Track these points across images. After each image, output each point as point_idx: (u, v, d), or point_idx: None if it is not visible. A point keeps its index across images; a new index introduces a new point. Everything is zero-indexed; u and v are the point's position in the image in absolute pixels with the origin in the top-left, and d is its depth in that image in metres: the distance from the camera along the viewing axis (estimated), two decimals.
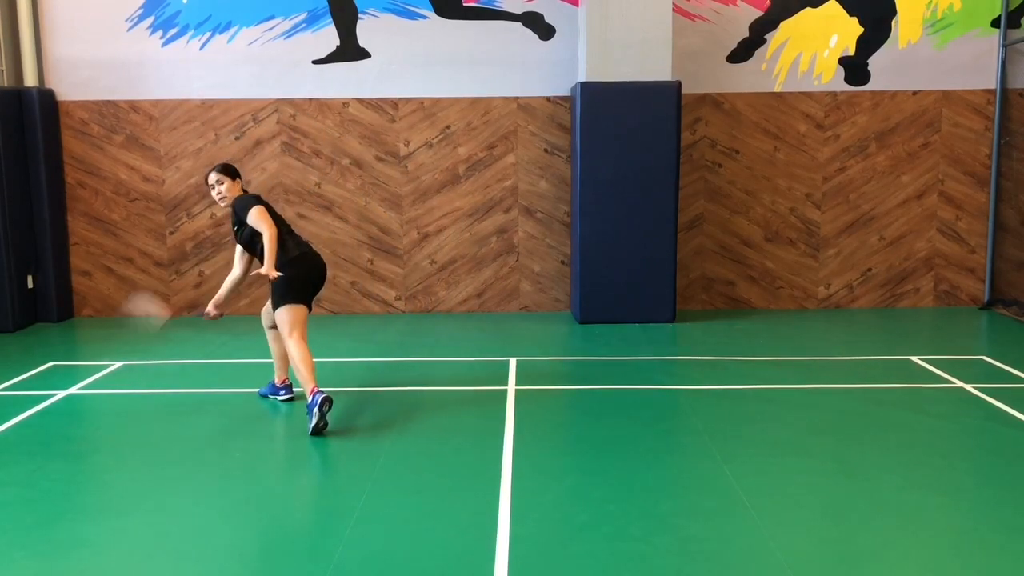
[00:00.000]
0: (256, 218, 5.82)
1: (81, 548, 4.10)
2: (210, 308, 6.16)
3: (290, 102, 9.26)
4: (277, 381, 6.35)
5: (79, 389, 6.69)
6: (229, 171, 6.07)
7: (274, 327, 6.14)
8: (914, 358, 7.31)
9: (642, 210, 8.60)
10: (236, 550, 4.06)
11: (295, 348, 5.73)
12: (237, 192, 6.07)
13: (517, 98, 9.26)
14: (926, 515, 4.38)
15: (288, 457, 5.34)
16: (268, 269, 5.69)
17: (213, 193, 6.04)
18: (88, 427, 6.06)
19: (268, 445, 5.51)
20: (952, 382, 6.61)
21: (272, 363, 6.37)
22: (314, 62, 9.25)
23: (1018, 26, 9.27)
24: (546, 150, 9.32)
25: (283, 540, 4.15)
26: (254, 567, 3.90)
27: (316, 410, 5.45)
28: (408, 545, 4.07)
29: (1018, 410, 5.89)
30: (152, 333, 6.36)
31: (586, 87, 8.45)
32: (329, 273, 9.43)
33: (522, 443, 5.35)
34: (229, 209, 6.15)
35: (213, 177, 6.03)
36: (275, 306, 5.85)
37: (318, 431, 5.48)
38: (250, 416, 6.03)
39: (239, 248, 6.22)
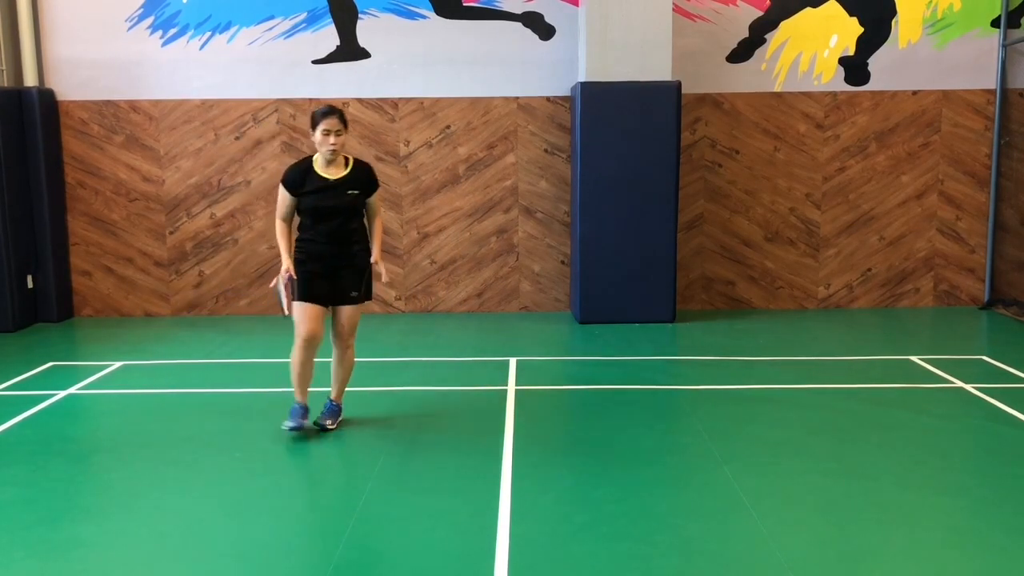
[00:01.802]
0: (379, 196, 5.53)
1: (81, 548, 4.10)
2: (292, 271, 5.34)
3: (290, 102, 9.26)
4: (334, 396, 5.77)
5: (79, 389, 6.69)
6: (346, 120, 5.35)
7: (342, 338, 5.55)
8: (914, 358, 7.31)
9: (642, 210, 8.60)
10: (236, 550, 4.05)
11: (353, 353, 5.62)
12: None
13: (517, 98, 9.26)
14: (926, 515, 4.39)
15: (288, 457, 5.34)
16: (380, 257, 5.51)
17: (328, 140, 5.23)
18: (88, 427, 6.06)
19: (268, 445, 5.50)
20: (952, 382, 6.61)
21: (282, 385, 5.93)
22: (314, 62, 9.25)
23: (1018, 26, 9.27)
24: (546, 150, 9.32)
25: (283, 540, 4.15)
26: (254, 567, 3.90)
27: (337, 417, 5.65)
28: (408, 545, 4.07)
29: (1018, 410, 5.89)
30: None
31: (586, 87, 8.45)
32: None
33: (522, 443, 5.34)
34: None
35: (332, 122, 5.25)
36: (365, 298, 5.50)
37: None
38: (250, 416, 6.03)
39: (285, 214, 5.44)
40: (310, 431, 5.59)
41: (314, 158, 5.38)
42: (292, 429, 5.46)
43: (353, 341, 5.54)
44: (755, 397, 6.33)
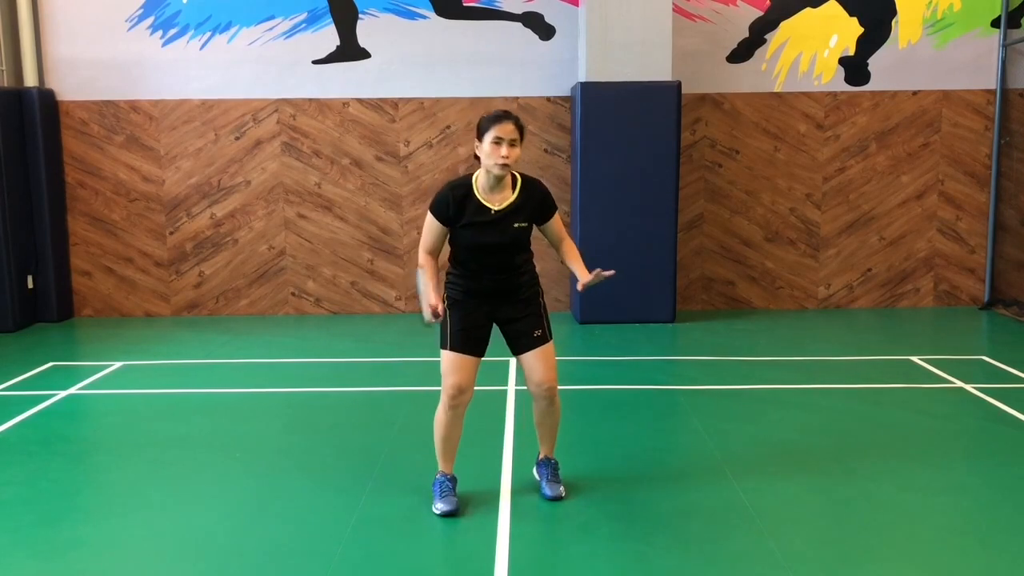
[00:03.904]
0: (559, 220, 4.50)
1: (81, 548, 4.10)
2: (439, 309, 4.17)
3: (290, 102, 9.26)
4: (540, 456, 4.71)
5: (79, 389, 6.69)
6: (523, 128, 4.24)
7: (543, 387, 4.45)
8: (914, 358, 7.31)
9: (642, 210, 8.60)
10: (236, 550, 4.05)
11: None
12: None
13: (517, 98, 9.25)
14: (926, 515, 4.38)
15: (288, 457, 5.33)
16: (586, 273, 4.56)
17: (499, 152, 4.11)
18: (88, 427, 6.06)
19: (267, 445, 5.50)
20: (952, 382, 6.61)
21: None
22: (314, 62, 9.24)
23: (1018, 26, 9.27)
24: (546, 150, 9.32)
25: (283, 540, 4.15)
26: (254, 567, 3.90)
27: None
28: (408, 545, 4.07)
29: (1018, 410, 5.89)
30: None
31: (586, 87, 8.44)
32: (329, 273, 9.48)
33: (522, 443, 5.34)
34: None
35: (507, 128, 4.12)
36: (549, 337, 4.46)
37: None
38: (250, 416, 6.03)
39: (432, 246, 4.30)
40: (301, 433, 5.57)
41: (475, 177, 4.26)
42: (446, 514, 4.34)
43: (557, 388, 4.45)
44: (755, 397, 6.32)
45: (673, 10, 8.57)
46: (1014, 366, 7.01)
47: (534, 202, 4.34)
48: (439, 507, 4.38)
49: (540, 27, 9.21)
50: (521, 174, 4.36)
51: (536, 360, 4.38)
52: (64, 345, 8.33)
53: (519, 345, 4.41)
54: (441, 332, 4.39)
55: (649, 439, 5.48)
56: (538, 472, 4.68)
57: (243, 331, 8.67)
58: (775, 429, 5.61)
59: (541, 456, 4.67)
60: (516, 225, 4.29)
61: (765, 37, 9.26)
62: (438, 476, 4.49)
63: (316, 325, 9.00)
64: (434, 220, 4.26)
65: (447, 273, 4.41)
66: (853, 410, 6.00)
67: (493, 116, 4.17)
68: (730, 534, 4.16)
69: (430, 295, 4.19)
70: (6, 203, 8.68)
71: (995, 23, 9.26)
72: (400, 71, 9.25)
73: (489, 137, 4.13)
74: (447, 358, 4.39)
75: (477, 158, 4.25)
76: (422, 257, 4.32)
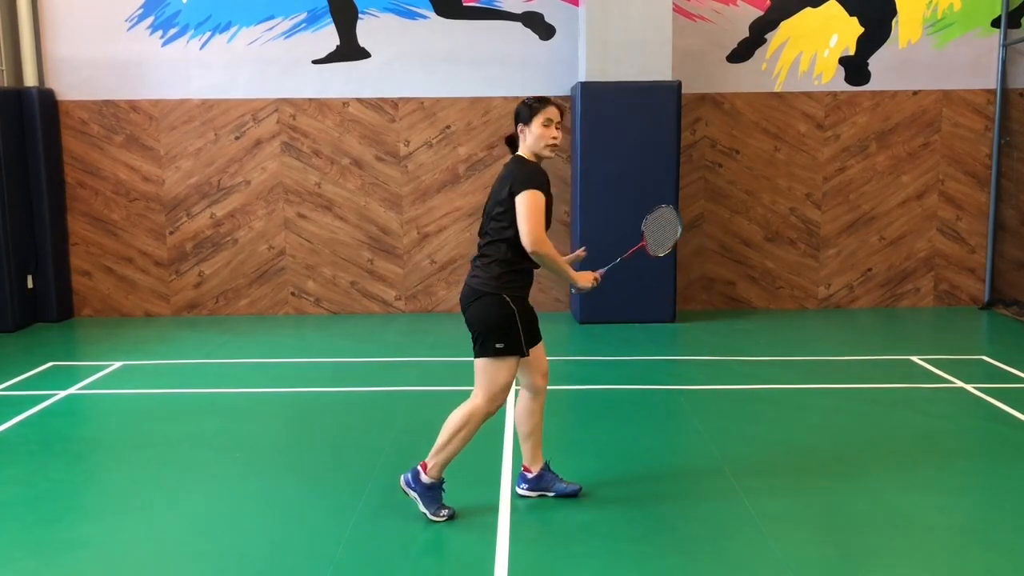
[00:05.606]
0: None
1: (81, 548, 4.10)
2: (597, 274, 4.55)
3: (290, 102, 9.26)
4: (537, 468, 4.54)
5: (79, 389, 6.69)
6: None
7: (546, 379, 4.47)
8: (914, 358, 7.31)
9: (642, 210, 8.54)
10: (236, 550, 4.05)
11: None
12: None
13: (517, 98, 9.25)
14: (926, 515, 4.38)
15: (287, 457, 5.33)
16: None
17: (550, 133, 4.12)
18: (88, 427, 6.06)
19: (267, 445, 5.50)
20: (952, 382, 6.61)
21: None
22: (314, 62, 9.25)
23: (1018, 26, 9.27)
24: None
25: (283, 540, 4.15)
26: (254, 567, 3.90)
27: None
28: (408, 545, 4.07)
29: (1018, 410, 5.89)
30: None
31: (586, 87, 8.44)
32: (329, 273, 9.49)
33: None
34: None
35: (555, 112, 4.14)
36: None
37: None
38: (250, 416, 6.03)
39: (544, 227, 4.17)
40: (300, 434, 5.56)
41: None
42: (451, 517, 4.29)
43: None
44: (755, 397, 6.32)
45: (673, 10, 8.57)
46: (1014, 366, 7.01)
47: None
48: (445, 513, 4.27)
49: (540, 27, 9.21)
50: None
51: (542, 349, 4.43)
52: (64, 345, 8.33)
53: (537, 334, 4.35)
54: (510, 337, 4.11)
55: (649, 439, 5.48)
56: (543, 481, 4.52)
57: (243, 331, 8.67)
58: (775, 429, 5.61)
59: (543, 464, 4.52)
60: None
61: (765, 37, 9.26)
62: (437, 482, 4.28)
63: (316, 325, 9.00)
64: (543, 197, 4.04)
65: (502, 274, 4.15)
66: (853, 410, 6.00)
67: (538, 99, 4.14)
68: (731, 534, 4.16)
69: (570, 270, 4.28)
70: (6, 203, 8.68)
71: (995, 23, 9.26)
72: (400, 71, 9.25)
73: (541, 119, 4.09)
74: (509, 367, 4.16)
75: (509, 144, 4.21)
76: (546, 243, 4.06)
